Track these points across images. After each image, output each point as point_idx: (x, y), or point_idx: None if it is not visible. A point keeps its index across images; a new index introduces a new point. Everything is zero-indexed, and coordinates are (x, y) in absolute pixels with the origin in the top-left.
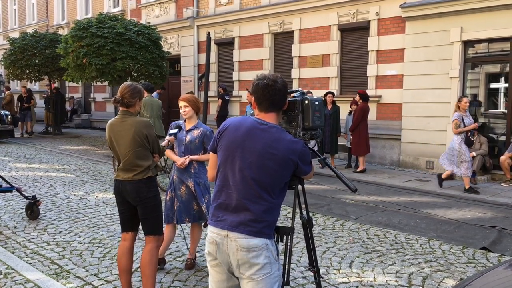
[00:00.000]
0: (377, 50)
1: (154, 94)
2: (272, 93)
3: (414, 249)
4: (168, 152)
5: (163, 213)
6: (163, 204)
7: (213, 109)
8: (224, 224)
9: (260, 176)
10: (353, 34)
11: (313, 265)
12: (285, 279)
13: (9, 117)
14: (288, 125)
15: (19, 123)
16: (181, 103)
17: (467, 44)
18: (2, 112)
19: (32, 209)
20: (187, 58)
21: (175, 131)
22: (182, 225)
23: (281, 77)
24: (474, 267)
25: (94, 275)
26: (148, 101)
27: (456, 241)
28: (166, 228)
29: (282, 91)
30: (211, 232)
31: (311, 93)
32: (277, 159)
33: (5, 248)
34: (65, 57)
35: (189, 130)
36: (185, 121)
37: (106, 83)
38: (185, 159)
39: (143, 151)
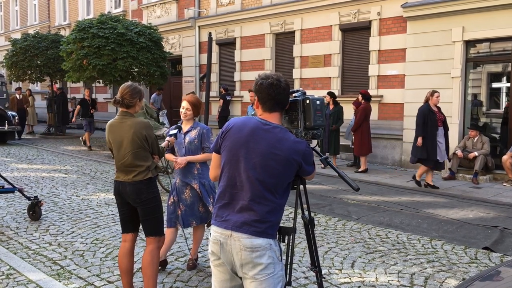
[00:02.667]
0: (379, 50)
1: (153, 95)
2: (276, 92)
3: (416, 249)
4: (167, 156)
5: (166, 217)
6: (165, 208)
7: (215, 109)
8: (228, 224)
9: (264, 176)
10: (355, 34)
11: (315, 265)
12: (287, 279)
13: (16, 118)
14: (290, 125)
15: (86, 133)
16: (185, 104)
17: (469, 43)
18: (10, 113)
19: (34, 210)
20: (188, 58)
21: (175, 131)
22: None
23: (283, 77)
24: (476, 267)
25: (96, 275)
26: None
27: (458, 241)
28: (167, 230)
29: (286, 90)
30: (215, 232)
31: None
32: (280, 160)
33: (7, 248)
34: (66, 60)
35: (187, 132)
36: (182, 122)
37: (106, 83)
38: (182, 160)
39: (142, 152)
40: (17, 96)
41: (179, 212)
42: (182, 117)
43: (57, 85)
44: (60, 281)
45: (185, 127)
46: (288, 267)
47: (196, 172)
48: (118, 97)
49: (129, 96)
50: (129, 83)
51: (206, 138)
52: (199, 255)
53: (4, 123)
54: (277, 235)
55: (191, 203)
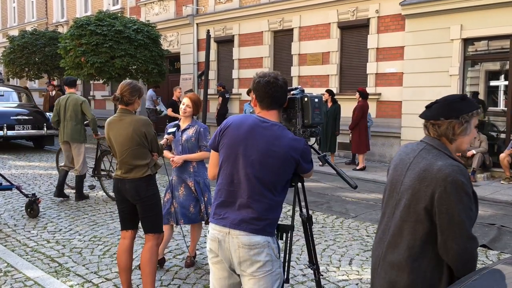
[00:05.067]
0: (377, 48)
1: (150, 91)
2: (273, 90)
3: None
4: (165, 153)
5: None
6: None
7: (213, 107)
8: (226, 221)
9: (262, 174)
10: (353, 32)
11: (313, 263)
12: (285, 276)
13: None
14: (288, 123)
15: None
16: (186, 100)
17: (467, 41)
18: (48, 114)
19: (32, 207)
20: (186, 56)
21: (173, 129)
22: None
23: (281, 75)
24: None
25: (94, 273)
26: (61, 101)
27: None
28: (163, 228)
29: (283, 88)
30: (213, 230)
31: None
32: (279, 157)
33: (5, 246)
34: (65, 58)
35: (184, 130)
36: (180, 120)
37: (104, 81)
38: (179, 159)
39: (141, 149)
40: (50, 93)
41: (172, 209)
42: (181, 113)
43: (55, 83)
44: (58, 279)
45: (183, 124)
46: (286, 265)
47: (192, 170)
48: (117, 94)
49: (128, 94)
50: (129, 80)
51: (203, 137)
52: (197, 252)
53: (43, 126)
54: (275, 233)
55: (183, 201)
